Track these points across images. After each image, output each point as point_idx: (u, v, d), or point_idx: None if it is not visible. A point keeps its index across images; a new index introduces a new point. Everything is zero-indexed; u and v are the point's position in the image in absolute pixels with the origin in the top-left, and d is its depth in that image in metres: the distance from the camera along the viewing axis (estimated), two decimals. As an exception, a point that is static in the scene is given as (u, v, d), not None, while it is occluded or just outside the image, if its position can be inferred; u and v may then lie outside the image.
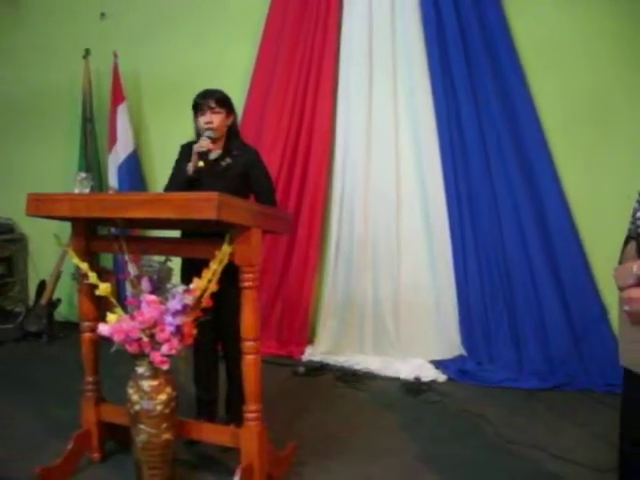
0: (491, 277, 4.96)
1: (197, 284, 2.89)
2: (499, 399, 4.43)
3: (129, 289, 3.24)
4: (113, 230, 3.30)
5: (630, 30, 4.63)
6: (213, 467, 3.41)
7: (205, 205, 2.66)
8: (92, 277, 3.07)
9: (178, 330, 2.88)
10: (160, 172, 6.15)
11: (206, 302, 2.92)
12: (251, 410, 3.01)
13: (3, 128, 7.08)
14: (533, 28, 4.84)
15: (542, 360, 4.76)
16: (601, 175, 4.75)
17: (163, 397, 2.95)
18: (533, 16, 4.84)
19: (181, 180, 3.47)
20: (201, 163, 3.36)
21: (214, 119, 3.46)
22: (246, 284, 2.93)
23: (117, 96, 6.12)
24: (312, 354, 5.34)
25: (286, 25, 5.49)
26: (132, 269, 3.09)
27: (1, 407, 4.30)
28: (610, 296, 4.65)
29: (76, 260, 3.15)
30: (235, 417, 3.41)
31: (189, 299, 2.86)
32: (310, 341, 5.53)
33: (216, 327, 3.47)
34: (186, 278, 3.24)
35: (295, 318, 5.47)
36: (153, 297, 2.91)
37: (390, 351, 5.22)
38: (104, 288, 3.02)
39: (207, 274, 2.87)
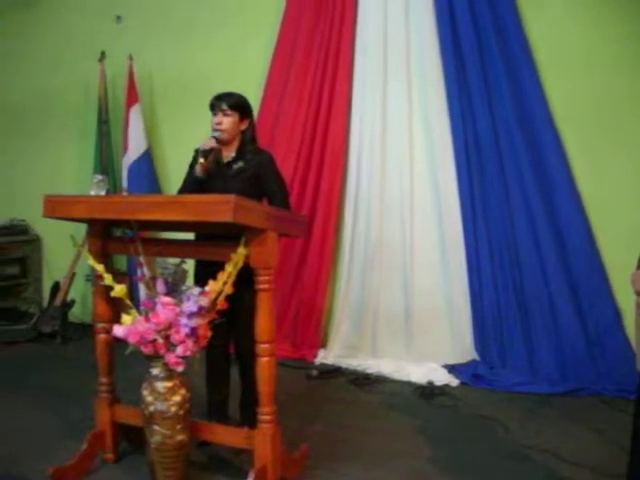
0: (504, 281, 4.94)
1: (212, 286, 2.90)
2: (512, 404, 4.41)
3: (144, 291, 3.26)
4: (123, 232, 3.32)
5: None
6: (226, 469, 3.41)
7: (221, 208, 2.67)
8: (107, 278, 3.08)
9: (193, 332, 2.89)
10: (173, 173, 6.21)
11: (221, 305, 2.93)
12: (265, 412, 3.02)
13: (19, 130, 7.13)
14: (547, 30, 4.83)
15: (555, 365, 4.74)
16: (617, 179, 4.72)
17: (177, 398, 2.96)
18: (547, 18, 4.83)
19: (192, 182, 3.51)
20: (202, 160, 3.38)
21: (224, 121, 3.48)
22: (261, 287, 2.94)
23: (131, 98, 6.16)
24: (325, 357, 5.34)
25: (301, 28, 5.51)
26: (147, 271, 3.10)
27: (15, 407, 4.33)
28: (625, 301, 4.63)
29: (92, 261, 3.16)
30: (248, 419, 3.41)
31: (204, 301, 2.87)
32: (323, 344, 5.53)
33: (228, 329, 3.48)
34: (200, 280, 3.26)
35: (309, 321, 5.48)
36: (168, 299, 2.92)
37: (403, 355, 5.21)
38: (119, 289, 3.04)
39: (222, 276, 2.88)
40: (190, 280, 3.24)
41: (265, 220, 2.90)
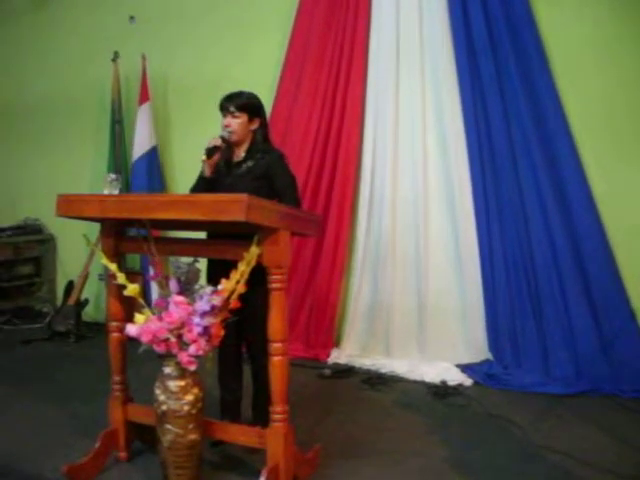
0: (518, 281, 4.92)
1: (225, 285, 2.90)
2: (526, 404, 4.39)
3: (157, 290, 3.26)
4: (135, 231, 3.32)
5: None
6: (239, 468, 3.41)
7: (234, 207, 2.67)
8: (121, 277, 3.09)
9: (206, 331, 2.89)
10: (181, 171, 6.28)
11: (234, 304, 2.93)
12: (278, 411, 3.01)
13: (34, 130, 7.18)
14: (560, 29, 4.81)
15: (569, 365, 4.71)
16: (630, 180, 4.70)
17: (190, 397, 2.96)
18: (560, 18, 4.81)
19: (200, 181, 3.53)
20: (204, 157, 3.39)
21: (232, 123, 3.48)
22: (274, 286, 2.94)
23: (143, 96, 6.21)
24: (338, 357, 5.34)
25: (314, 27, 5.51)
26: (160, 270, 3.11)
27: (30, 405, 4.35)
28: (639, 300, 4.62)
29: (105, 261, 3.17)
30: (261, 418, 3.41)
31: (217, 300, 2.87)
32: (336, 344, 5.53)
33: (241, 328, 3.48)
34: (212, 279, 3.26)
35: (322, 321, 5.47)
36: (181, 298, 2.93)
37: (416, 354, 5.20)
38: (132, 289, 3.04)
39: (235, 275, 2.88)
40: (203, 279, 3.24)
41: (278, 219, 2.90)
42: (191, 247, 3.27)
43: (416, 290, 5.26)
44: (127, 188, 6.24)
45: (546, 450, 3.61)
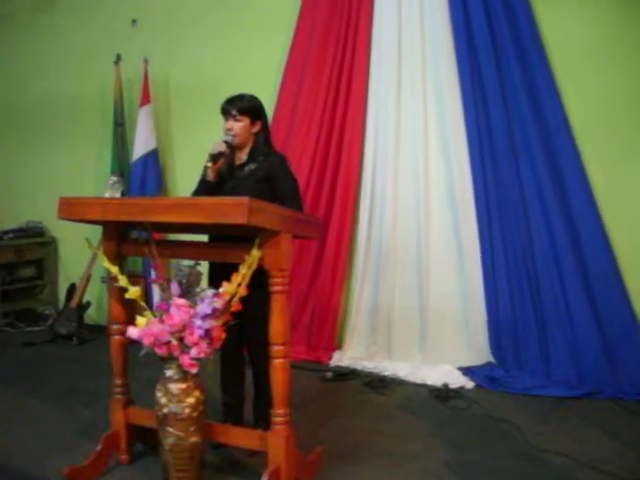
0: (520, 283, 4.91)
1: (226, 288, 2.90)
2: (528, 407, 4.39)
3: (158, 293, 3.27)
4: (136, 233, 3.33)
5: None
6: (240, 471, 3.42)
7: (235, 210, 2.67)
8: (122, 280, 3.09)
9: (207, 334, 2.89)
10: (181, 174, 6.31)
11: (235, 306, 2.94)
12: (279, 414, 3.01)
13: (35, 132, 7.19)
14: (561, 31, 4.80)
15: (571, 368, 4.70)
16: (631, 180, 4.69)
17: (191, 400, 2.96)
18: (561, 19, 4.80)
19: (203, 185, 3.53)
20: (209, 163, 3.39)
21: (234, 126, 3.48)
22: (276, 289, 2.94)
23: (144, 99, 6.21)
24: (340, 359, 5.33)
25: (316, 29, 5.51)
26: (161, 273, 3.11)
27: (32, 407, 4.36)
28: (641, 304, 4.63)
29: (107, 263, 3.17)
30: (262, 421, 3.41)
31: (218, 303, 2.87)
32: (338, 346, 5.53)
33: (242, 331, 3.48)
34: (213, 282, 3.26)
35: (324, 323, 5.47)
36: (183, 301, 2.93)
37: (418, 357, 5.20)
38: (134, 291, 3.05)
39: (236, 278, 2.88)
40: (204, 282, 3.24)
41: (279, 222, 2.90)
42: (193, 250, 3.27)
43: (418, 293, 5.25)
44: (128, 190, 6.24)
45: (548, 453, 3.60)
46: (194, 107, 6.19)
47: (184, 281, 3.06)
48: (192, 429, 2.97)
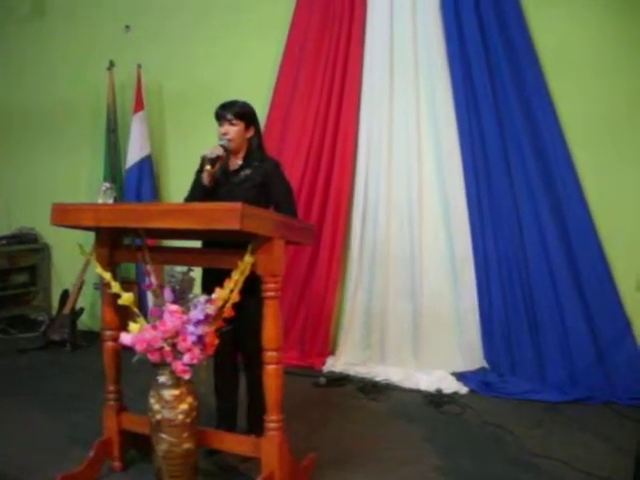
0: (513, 288, 4.92)
1: (219, 294, 2.90)
2: (521, 412, 4.40)
3: (151, 299, 3.26)
4: (129, 240, 3.32)
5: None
6: (233, 477, 3.42)
7: (228, 215, 2.67)
8: (115, 286, 3.09)
9: (200, 340, 2.89)
10: (175, 180, 6.32)
11: (228, 312, 2.93)
12: (272, 420, 3.01)
13: (27, 139, 7.18)
14: (553, 36, 4.83)
15: (564, 372, 4.71)
16: (625, 188, 4.71)
17: (184, 406, 2.96)
18: (553, 25, 4.82)
19: (199, 189, 3.52)
20: (208, 167, 3.38)
21: (230, 131, 3.49)
22: (268, 294, 2.94)
23: (137, 105, 6.20)
24: (333, 365, 5.33)
25: (309, 34, 5.52)
26: (154, 279, 3.11)
27: (24, 414, 4.34)
28: (634, 308, 4.63)
29: (99, 270, 3.17)
30: (256, 427, 3.40)
31: (211, 309, 2.87)
32: (332, 352, 5.52)
33: (235, 337, 3.48)
34: (206, 288, 3.27)
35: (317, 329, 5.47)
36: (175, 307, 2.92)
37: (412, 363, 5.20)
38: (127, 298, 3.04)
39: (229, 284, 2.88)
40: (197, 288, 3.24)
41: (272, 228, 2.90)
42: (186, 256, 3.26)
43: (411, 298, 5.26)
44: (121, 197, 6.23)
45: (541, 458, 3.61)
46: (187, 113, 6.20)
47: (177, 287, 3.06)
48: (185, 435, 2.97)
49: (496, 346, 4.97)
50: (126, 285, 3.34)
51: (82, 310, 6.36)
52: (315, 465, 3.45)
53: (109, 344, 3.39)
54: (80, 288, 6.30)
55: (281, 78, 5.67)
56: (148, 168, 6.23)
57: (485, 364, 5.04)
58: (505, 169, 4.93)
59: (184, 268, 3.14)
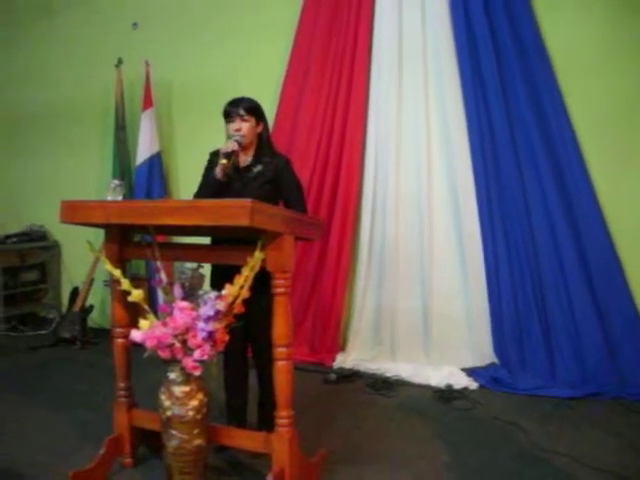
0: (523, 284, 4.92)
1: (229, 290, 2.90)
2: (531, 407, 4.38)
3: (161, 295, 3.26)
4: (139, 236, 3.33)
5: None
6: (244, 473, 3.42)
7: (238, 212, 2.67)
8: (125, 283, 3.09)
9: (210, 336, 2.88)
10: (184, 177, 6.34)
11: (238, 308, 2.93)
12: (283, 416, 3.01)
13: (37, 136, 7.20)
14: (561, 29, 4.82)
15: (575, 368, 4.71)
16: (636, 181, 4.69)
17: (195, 403, 2.96)
18: (562, 19, 4.83)
19: (210, 185, 3.50)
20: (224, 161, 3.37)
21: (243, 126, 3.48)
22: (278, 290, 2.93)
23: (146, 102, 6.22)
24: (343, 361, 5.33)
25: (317, 34, 5.53)
26: (164, 276, 3.11)
27: (35, 411, 4.35)
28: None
29: (109, 266, 3.17)
30: (266, 423, 3.41)
31: (221, 305, 2.87)
32: (342, 348, 5.52)
33: (246, 333, 3.48)
34: (216, 284, 3.26)
35: (327, 325, 5.47)
36: (185, 303, 2.93)
37: (422, 358, 5.20)
38: (137, 294, 3.04)
39: (239, 280, 2.88)
40: (207, 285, 3.24)
41: (282, 224, 2.90)
42: (195, 252, 3.26)
43: (421, 294, 5.26)
44: (131, 194, 6.25)
45: (551, 453, 3.60)
46: (196, 109, 6.20)
47: (187, 284, 3.06)
48: (196, 432, 2.97)
49: (506, 342, 4.96)
50: (136, 282, 3.33)
51: (92, 307, 6.38)
52: (325, 461, 3.45)
53: (119, 341, 3.40)
54: (90, 285, 6.32)
55: (290, 74, 5.67)
56: (158, 165, 6.24)
57: (495, 360, 5.03)
58: (515, 167, 4.92)
59: (194, 265, 3.14)
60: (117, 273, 3.13)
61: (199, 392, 2.99)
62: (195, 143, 6.01)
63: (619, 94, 4.70)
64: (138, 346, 3.01)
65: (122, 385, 3.43)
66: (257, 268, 2.88)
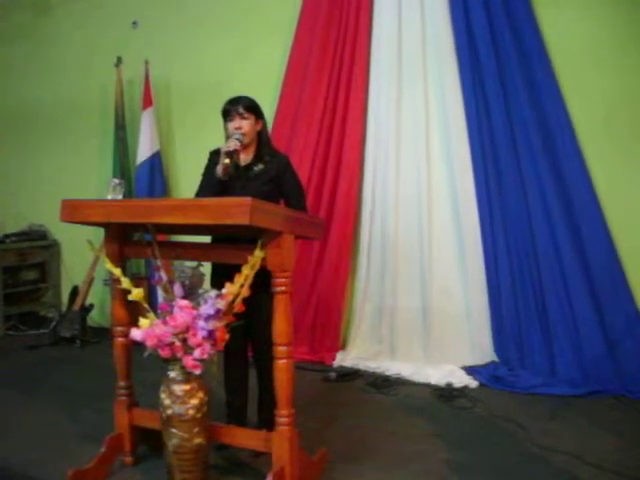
0: (523, 282, 4.91)
1: (229, 289, 2.90)
2: (532, 405, 4.38)
3: (161, 294, 3.26)
4: (140, 236, 3.33)
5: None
6: (244, 472, 3.41)
7: (238, 210, 2.67)
8: (125, 282, 3.09)
9: (210, 335, 2.89)
10: (184, 175, 6.32)
11: (238, 307, 2.93)
12: (283, 415, 3.01)
13: (36, 135, 7.20)
14: (562, 32, 4.80)
15: (576, 366, 4.70)
16: (635, 180, 4.68)
17: (195, 401, 2.96)
18: (562, 20, 4.80)
19: (212, 184, 3.50)
20: (227, 160, 3.37)
21: (243, 124, 3.48)
22: (278, 289, 2.93)
23: (145, 101, 6.21)
24: (343, 360, 5.33)
25: (316, 34, 5.50)
26: (164, 274, 3.11)
27: (35, 410, 4.36)
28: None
29: (109, 265, 3.17)
30: (266, 422, 3.41)
31: (221, 304, 2.87)
32: (342, 347, 5.52)
33: (246, 332, 3.48)
34: (216, 283, 3.26)
35: (327, 323, 5.47)
36: (186, 302, 2.93)
37: (422, 357, 5.20)
38: (137, 293, 3.04)
39: (239, 279, 2.88)
40: (207, 283, 3.24)
41: (282, 222, 2.90)
42: (195, 251, 3.25)
43: (421, 292, 5.26)
44: (130, 193, 6.24)
45: (551, 452, 3.60)
46: (196, 108, 6.20)
47: (187, 282, 3.06)
48: (196, 430, 2.97)
49: (506, 340, 4.96)
50: (136, 281, 3.33)
51: (92, 306, 6.37)
52: (326, 459, 3.44)
53: (119, 340, 3.40)
54: (90, 284, 6.31)
55: (290, 72, 5.65)
56: (159, 164, 6.24)
57: (495, 358, 5.03)
58: (515, 167, 4.91)
59: (194, 263, 3.14)
60: (117, 272, 3.13)
61: (199, 391, 2.99)
62: (194, 142, 6.02)
63: (619, 94, 4.69)
64: (138, 345, 3.01)
65: (122, 384, 3.44)
66: (257, 267, 2.88)
